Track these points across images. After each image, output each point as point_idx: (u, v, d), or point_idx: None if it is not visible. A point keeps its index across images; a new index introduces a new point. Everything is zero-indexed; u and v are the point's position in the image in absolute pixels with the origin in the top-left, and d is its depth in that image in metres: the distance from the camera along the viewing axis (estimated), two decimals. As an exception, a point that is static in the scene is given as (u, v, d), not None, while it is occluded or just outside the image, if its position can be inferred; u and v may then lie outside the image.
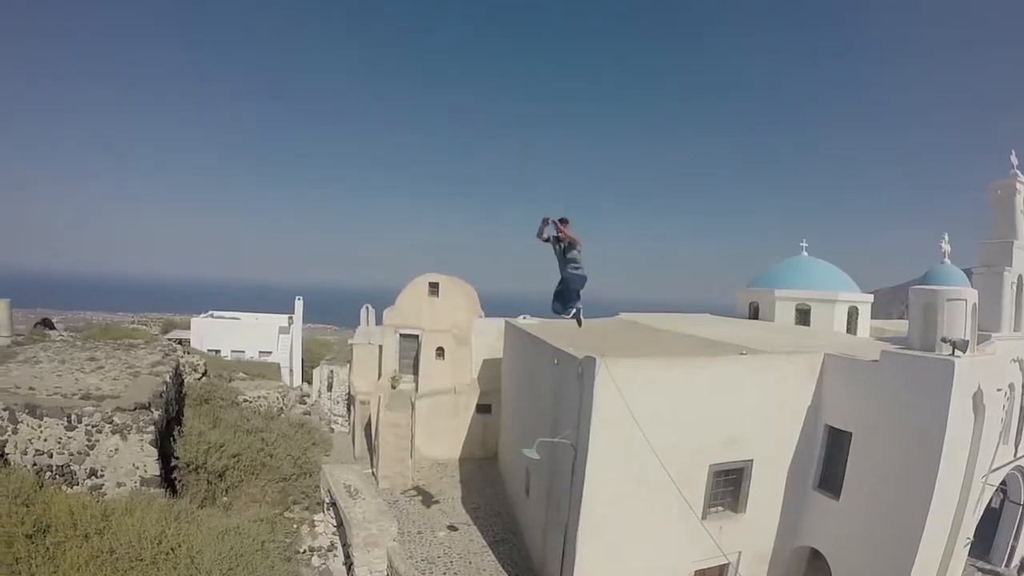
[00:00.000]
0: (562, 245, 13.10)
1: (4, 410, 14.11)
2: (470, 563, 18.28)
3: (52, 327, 30.99)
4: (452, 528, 20.93)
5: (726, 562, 16.48)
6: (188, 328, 42.55)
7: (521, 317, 27.69)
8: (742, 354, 16.55)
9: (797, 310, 26.77)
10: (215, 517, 14.61)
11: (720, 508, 16.74)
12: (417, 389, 29.29)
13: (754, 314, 28.70)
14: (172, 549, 11.38)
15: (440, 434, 28.56)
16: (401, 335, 31.08)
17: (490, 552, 18.85)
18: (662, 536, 15.64)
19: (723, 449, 15.99)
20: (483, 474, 25.95)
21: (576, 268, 13.12)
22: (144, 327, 41.79)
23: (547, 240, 12.99)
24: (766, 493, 16.87)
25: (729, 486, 16.62)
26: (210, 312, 47.90)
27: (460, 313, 30.54)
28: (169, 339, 33.35)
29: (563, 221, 13.05)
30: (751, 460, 16.44)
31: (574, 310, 13.73)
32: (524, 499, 20.45)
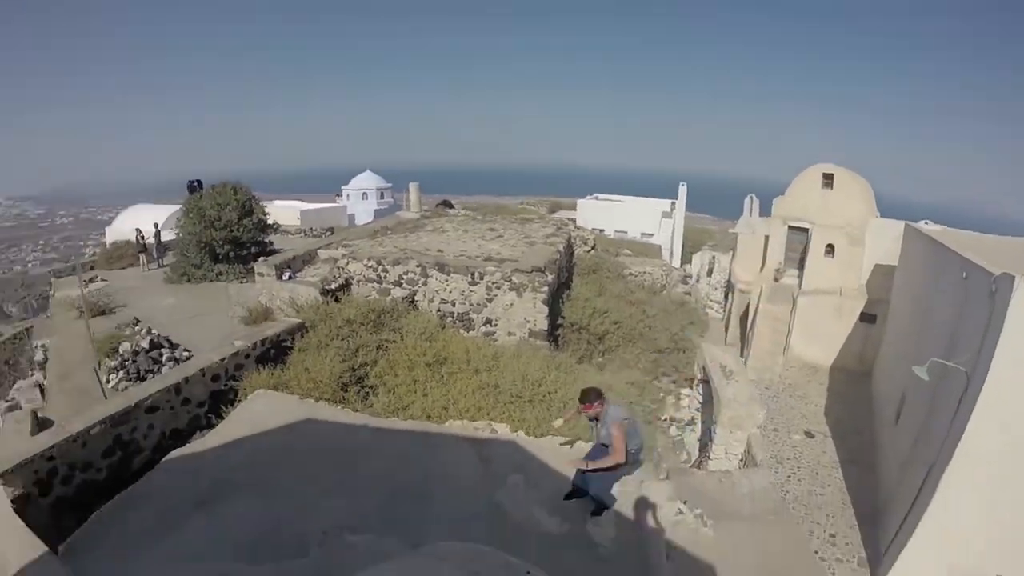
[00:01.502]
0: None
1: (417, 266, 16.51)
2: (816, 475, 17.40)
3: (451, 207, 34.38)
4: (808, 435, 20.05)
5: None
6: (574, 209, 44.47)
7: (923, 222, 24.66)
8: None
9: None
10: (590, 372, 15.57)
11: None
12: (800, 286, 27.82)
13: None
14: (548, 393, 12.36)
15: (816, 337, 26.77)
16: (789, 227, 29.41)
17: (839, 470, 17.69)
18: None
19: None
20: (853, 388, 23.89)
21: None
22: (532, 208, 44.45)
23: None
24: None
25: None
26: (595, 195, 49.16)
27: (854, 210, 27.59)
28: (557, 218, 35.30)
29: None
30: None
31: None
32: (891, 425, 18.63)
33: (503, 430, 10.99)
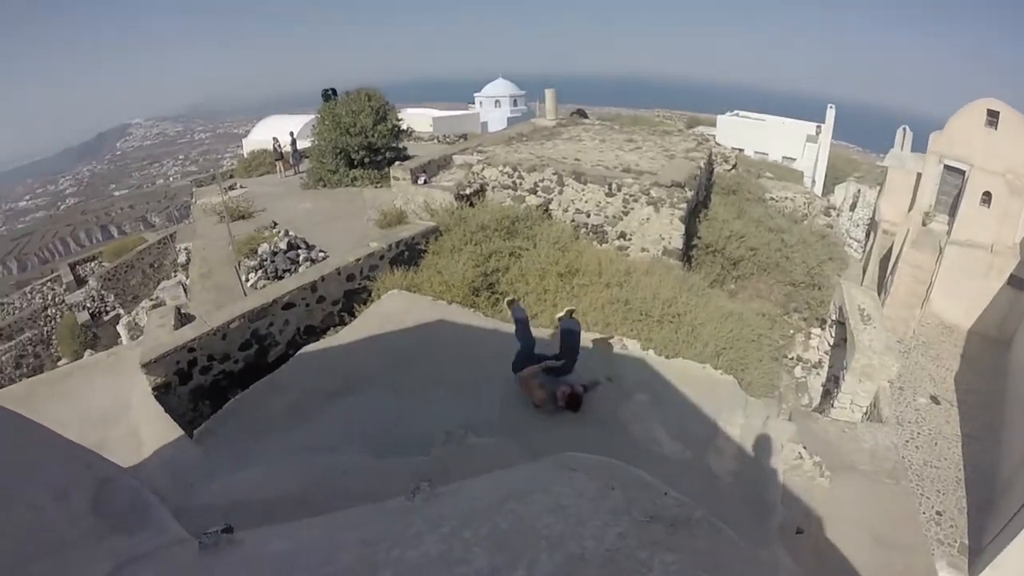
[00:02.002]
0: None
1: (553, 174, 15.98)
2: (935, 445, 16.27)
3: (585, 116, 33.48)
4: (934, 400, 18.71)
5: None
6: (713, 126, 42.67)
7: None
8: None
9: None
10: (721, 298, 14.96)
11: None
12: (949, 234, 25.36)
13: None
14: (678, 314, 11.94)
15: (959, 294, 24.03)
16: (944, 166, 26.82)
17: (959, 444, 16.41)
18: None
19: None
20: (990, 357, 21.58)
21: None
22: (669, 121, 42.90)
23: None
24: None
25: None
26: (736, 111, 46.89)
27: (1019, 155, 24.37)
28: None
29: None
30: None
31: None
32: (1024, 406, 16.93)
33: (633, 347, 10.68)
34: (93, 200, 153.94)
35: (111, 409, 9.81)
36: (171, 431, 8.78)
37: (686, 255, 16.51)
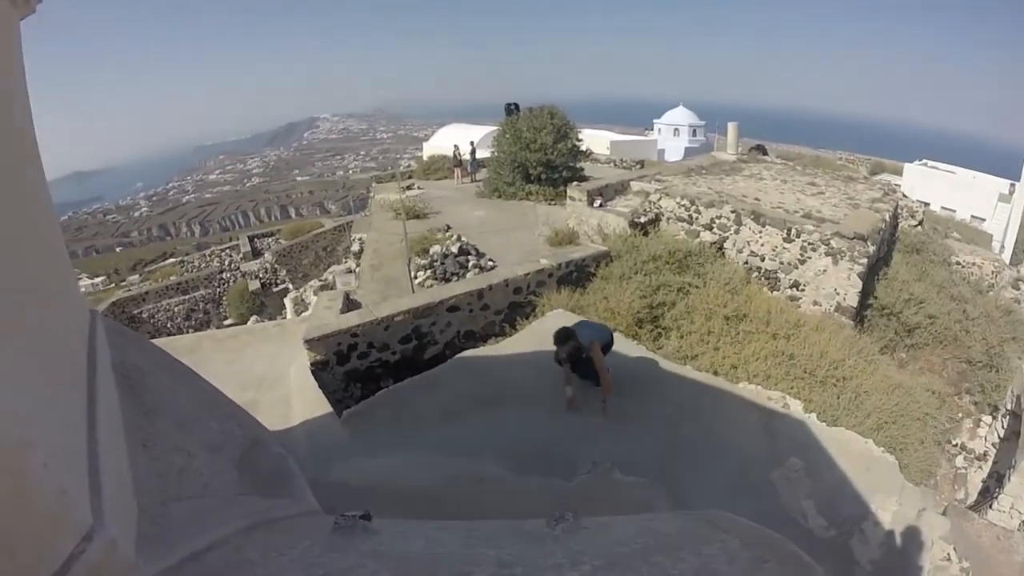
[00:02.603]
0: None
1: (732, 212, 15.53)
2: None
3: (765, 152, 32.41)
4: None
5: None
6: (899, 174, 40.24)
7: None
8: None
9: None
10: (890, 367, 14.06)
11: None
12: None
13: None
14: (843, 378, 11.29)
15: None
16: None
17: None
18: None
19: None
20: None
21: None
22: (851, 165, 40.83)
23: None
24: None
25: None
26: (924, 160, 43.70)
27: None
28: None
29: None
30: None
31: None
32: None
33: (796, 407, 10.11)
34: (276, 182, 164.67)
35: (268, 375, 10.30)
36: (321, 406, 9.08)
37: (859, 314, 15.69)
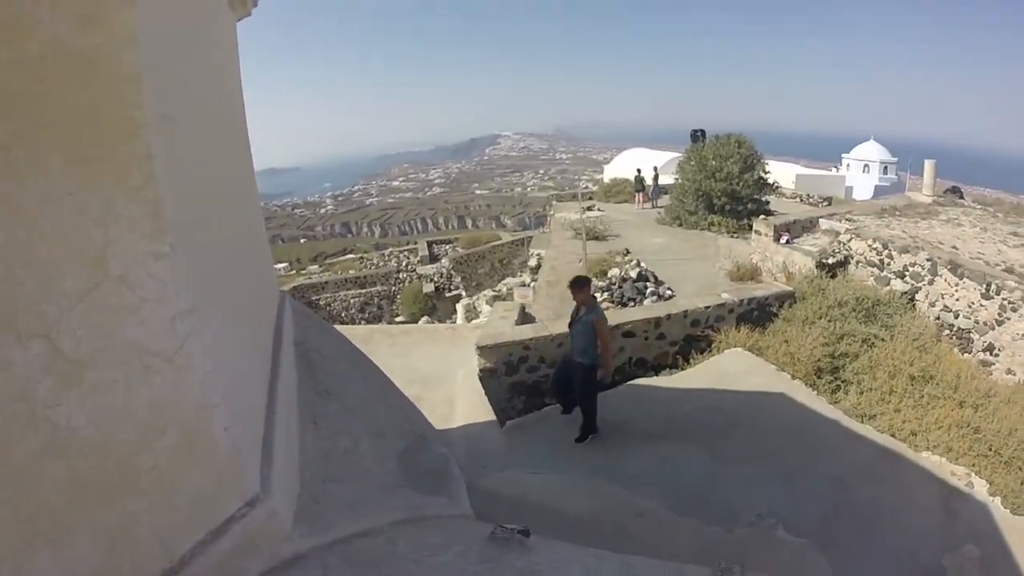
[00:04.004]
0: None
1: (927, 260, 14.25)
2: None
3: (961, 196, 30.02)
4: None
5: None
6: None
7: None
8: None
9: None
10: None
11: None
12: None
13: None
14: None
15: None
16: None
17: None
18: None
19: None
20: None
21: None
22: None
23: None
24: None
25: None
26: None
27: None
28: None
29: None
30: None
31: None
32: None
33: (980, 487, 9.14)
34: (456, 193, 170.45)
35: (434, 374, 10.49)
36: (484, 413, 9.10)
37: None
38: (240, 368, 2.74)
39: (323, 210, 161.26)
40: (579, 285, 8.14)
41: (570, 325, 8.37)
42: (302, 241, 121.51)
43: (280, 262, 68.28)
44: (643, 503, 7.10)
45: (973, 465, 9.52)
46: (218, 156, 3.16)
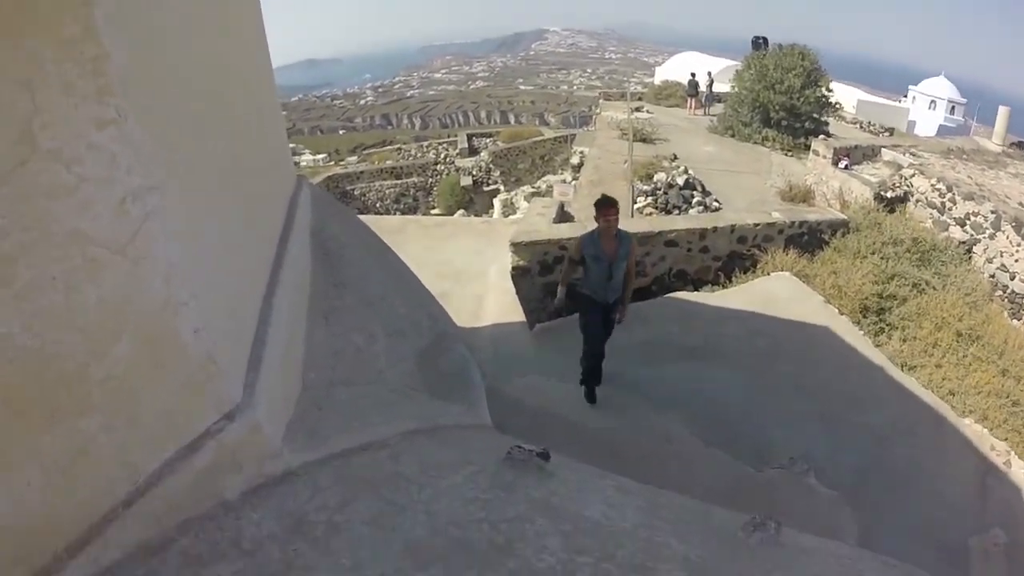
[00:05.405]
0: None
1: (992, 212, 13.29)
2: None
3: None
4: None
5: None
6: None
7: None
8: None
9: None
10: None
11: None
12: None
13: None
14: None
15: None
16: None
17: None
18: None
19: None
20: None
21: None
22: None
23: None
24: None
25: None
26: None
27: None
28: None
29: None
30: None
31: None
32: None
33: (1020, 469, 8.67)
34: (499, 87, 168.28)
35: (466, 269, 10.30)
36: (514, 313, 8.91)
37: None
38: (223, 257, 2.37)
39: (363, 101, 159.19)
40: (614, 207, 6.32)
41: (595, 258, 6.43)
42: (341, 132, 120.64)
43: (319, 153, 68.43)
44: (673, 428, 6.82)
45: (1007, 436, 9.04)
46: (201, 6, 2.60)
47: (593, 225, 6.69)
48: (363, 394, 3.15)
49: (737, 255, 11.11)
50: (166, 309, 1.79)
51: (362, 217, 8.33)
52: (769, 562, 2.47)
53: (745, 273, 10.89)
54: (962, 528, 6.90)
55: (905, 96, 52.89)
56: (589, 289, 6.60)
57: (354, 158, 55.50)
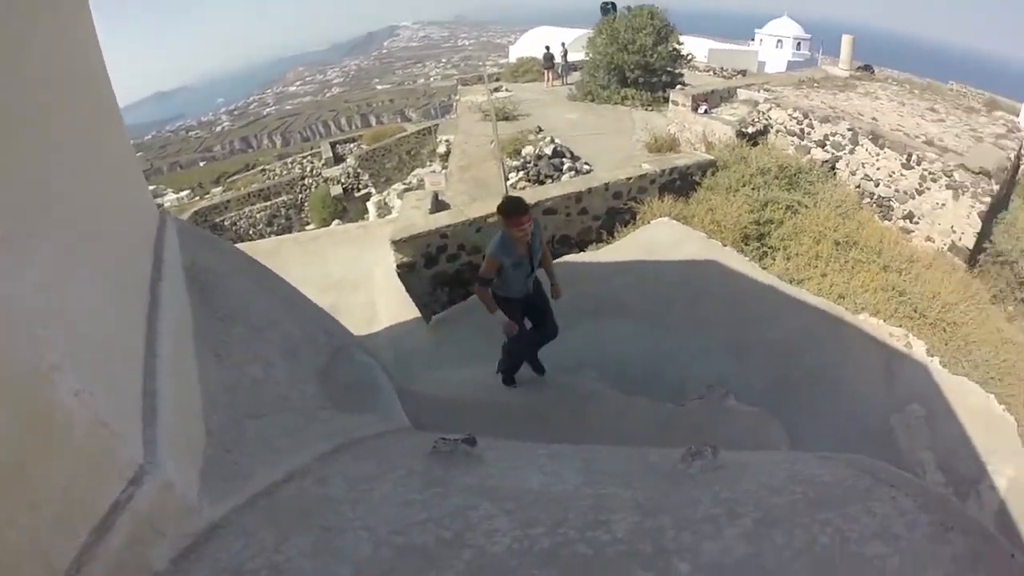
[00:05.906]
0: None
1: (848, 130, 14.24)
2: None
3: (873, 73, 30.46)
4: None
5: None
6: (1015, 114, 37.86)
7: None
8: None
9: None
10: (998, 318, 13.02)
11: None
12: None
13: None
14: (953, 323, 10.40)
15: None
16: None
17: None
18: None
19: None
20: None
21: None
22: (964, 99, 38.26)
23: None
24: None
25: None
26: None
27: None
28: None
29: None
30: None
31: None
32: None
33: (919, 348, 9.27)
34: (356, 91, 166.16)
35: (349, 277, 10.24)
36: (408, 311, 8.91)
37: (973, 258, 14.47)
38: (93, 310, 2.15)
39: (219, 128, 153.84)
40: (526, 213, 6.00)
41: (516, 265, 6.08)
42: (201, 164, 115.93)
43: (182, 190, 65.86)
44: (592, 387, 6.95)
45: (901, 326, 9.65)
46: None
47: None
48: (271, 424, 3.03)
49: (615, 211, 11.35)
50: (37, 374, 1.60)
51: (237, 245, 8.07)
52: (715, 484, 2.48)
53: (626, 227, 11.13)
54: (881, 411, 7.45)
55: (752, 40, 55.06)
56: (513, 292, 6.30)
57: (219, 188, 53.61)
